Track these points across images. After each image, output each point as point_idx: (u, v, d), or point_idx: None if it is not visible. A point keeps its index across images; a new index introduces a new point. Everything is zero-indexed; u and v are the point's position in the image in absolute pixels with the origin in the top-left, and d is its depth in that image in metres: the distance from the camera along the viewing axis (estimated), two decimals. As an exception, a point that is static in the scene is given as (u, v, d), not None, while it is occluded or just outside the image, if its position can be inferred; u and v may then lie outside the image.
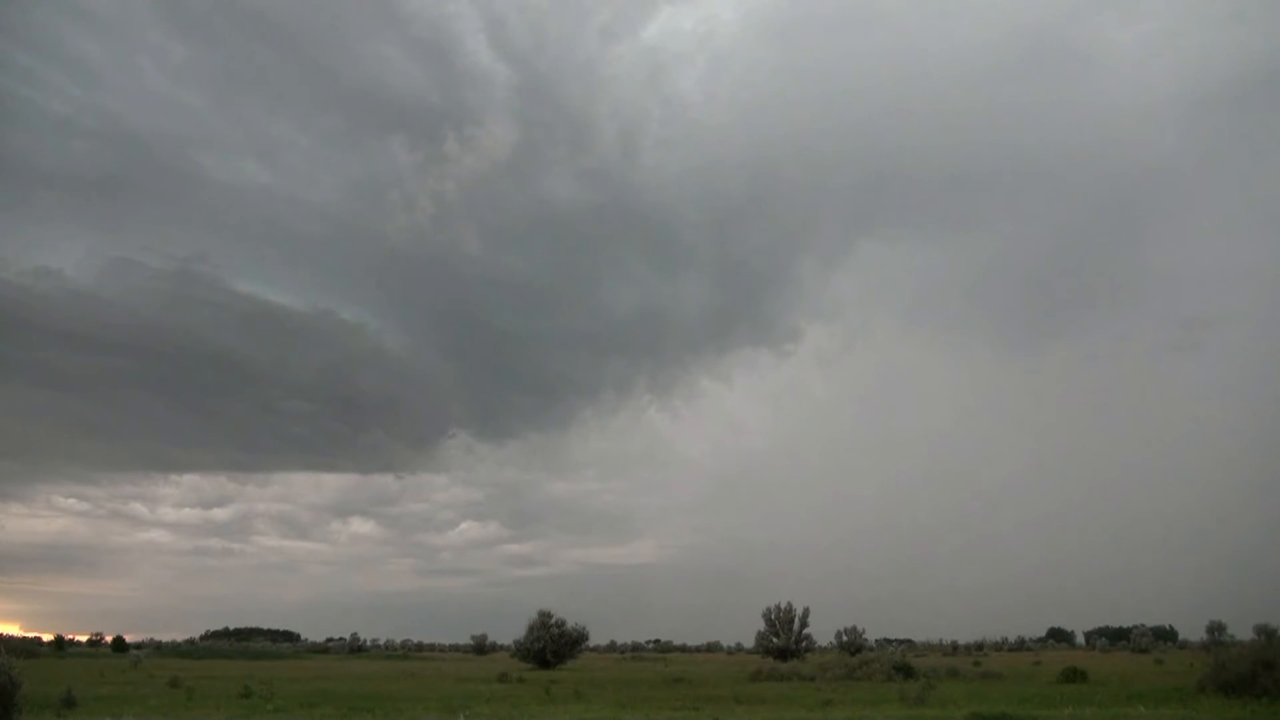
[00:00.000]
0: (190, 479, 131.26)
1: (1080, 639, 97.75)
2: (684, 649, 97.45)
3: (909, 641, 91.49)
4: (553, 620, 45.77)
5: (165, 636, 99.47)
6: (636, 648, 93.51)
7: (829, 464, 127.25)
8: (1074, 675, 26.34)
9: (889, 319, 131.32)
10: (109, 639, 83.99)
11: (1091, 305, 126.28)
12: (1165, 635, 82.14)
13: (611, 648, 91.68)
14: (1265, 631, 41.85)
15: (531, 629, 45.49)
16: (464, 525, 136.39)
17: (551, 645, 44.91)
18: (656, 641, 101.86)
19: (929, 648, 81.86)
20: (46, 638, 76.94)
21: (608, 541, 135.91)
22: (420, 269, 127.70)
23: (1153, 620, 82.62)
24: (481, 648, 77.21)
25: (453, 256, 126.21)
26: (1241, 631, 52.07)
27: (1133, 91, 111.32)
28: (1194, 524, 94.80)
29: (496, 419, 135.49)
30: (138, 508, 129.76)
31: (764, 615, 49.56)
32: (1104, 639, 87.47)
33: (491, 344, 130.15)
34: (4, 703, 13.81)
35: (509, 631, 52.79)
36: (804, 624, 49.03)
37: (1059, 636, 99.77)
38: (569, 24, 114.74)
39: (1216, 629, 56.08)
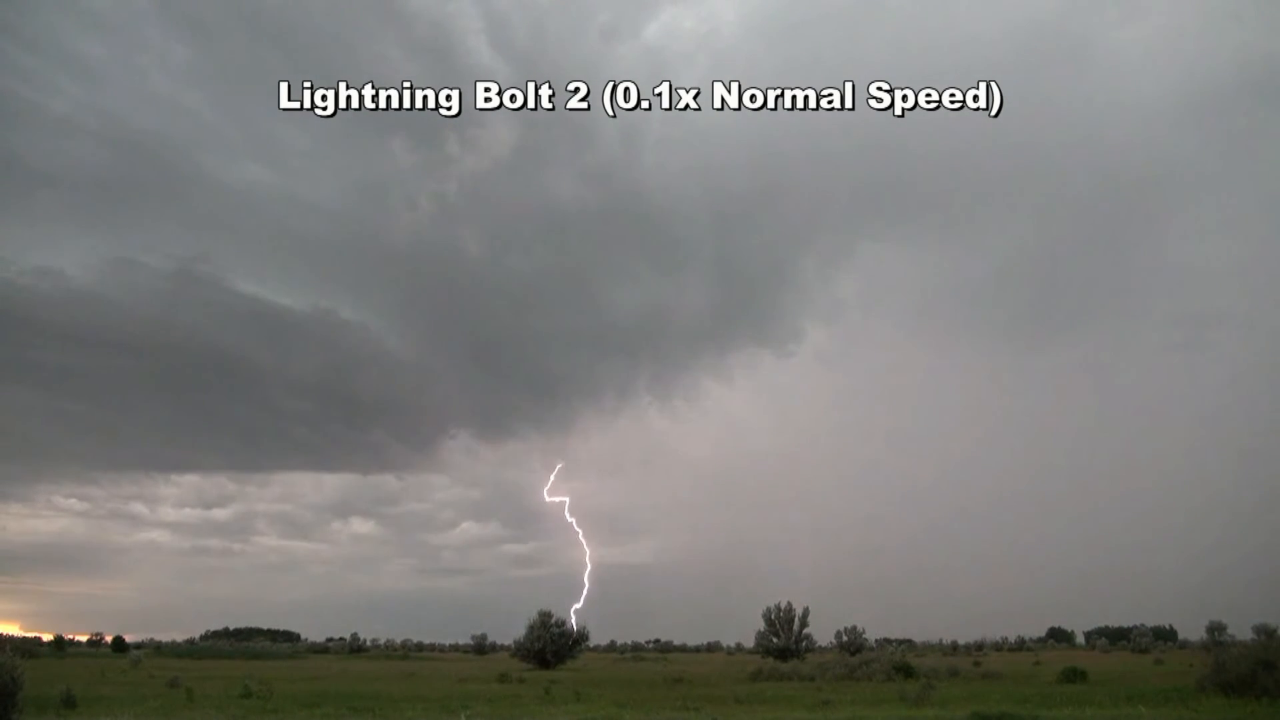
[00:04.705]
0: (190, 479, 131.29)
1: (1080, 639, 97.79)
2: (684, 649, 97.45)
3: (909, 641, 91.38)
4: (553, 620, 45.82)
5: (165, 636, 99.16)
6: (636, 648, 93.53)
7: (829, 464, 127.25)
8: (1074, 675, 26.36)
9: (890, 319, 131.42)
10: (109, 639, 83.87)
11: (1093, 304, 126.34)
12: (1165, 635, 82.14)
13: (611, 648, 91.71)
14: (1265, 631, 41.91)
15: (531, 629, 45.51)
16: (464, 525, 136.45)
17: (551, 645, 44.93)
18: (656, 641, 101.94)
19: (929, 648, 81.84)
20: (46, 638, 76.78)
21: (608, 541, 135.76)
22: (421, 269, 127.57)
23: (1153, 620, 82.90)
24: (481, 648, 77.25)
25: (453, 256, 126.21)
26: (1241, 631, 52.11)
27: (1134, 89, 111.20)
28: (1194, 524, 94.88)
29: (497, 419, 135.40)
30: (138, 508, 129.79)
31: (764, 615, 49.51)
32: (1104, 639, 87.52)
33: (492, 344, 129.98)
34: (5, 703, 13.83)
35: (509, 631, 52.77)
36: (804, 624, 48.98)
37: (1059, 636, 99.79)
38: (570, 23, 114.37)
39: (1216, 629, 56.05)
